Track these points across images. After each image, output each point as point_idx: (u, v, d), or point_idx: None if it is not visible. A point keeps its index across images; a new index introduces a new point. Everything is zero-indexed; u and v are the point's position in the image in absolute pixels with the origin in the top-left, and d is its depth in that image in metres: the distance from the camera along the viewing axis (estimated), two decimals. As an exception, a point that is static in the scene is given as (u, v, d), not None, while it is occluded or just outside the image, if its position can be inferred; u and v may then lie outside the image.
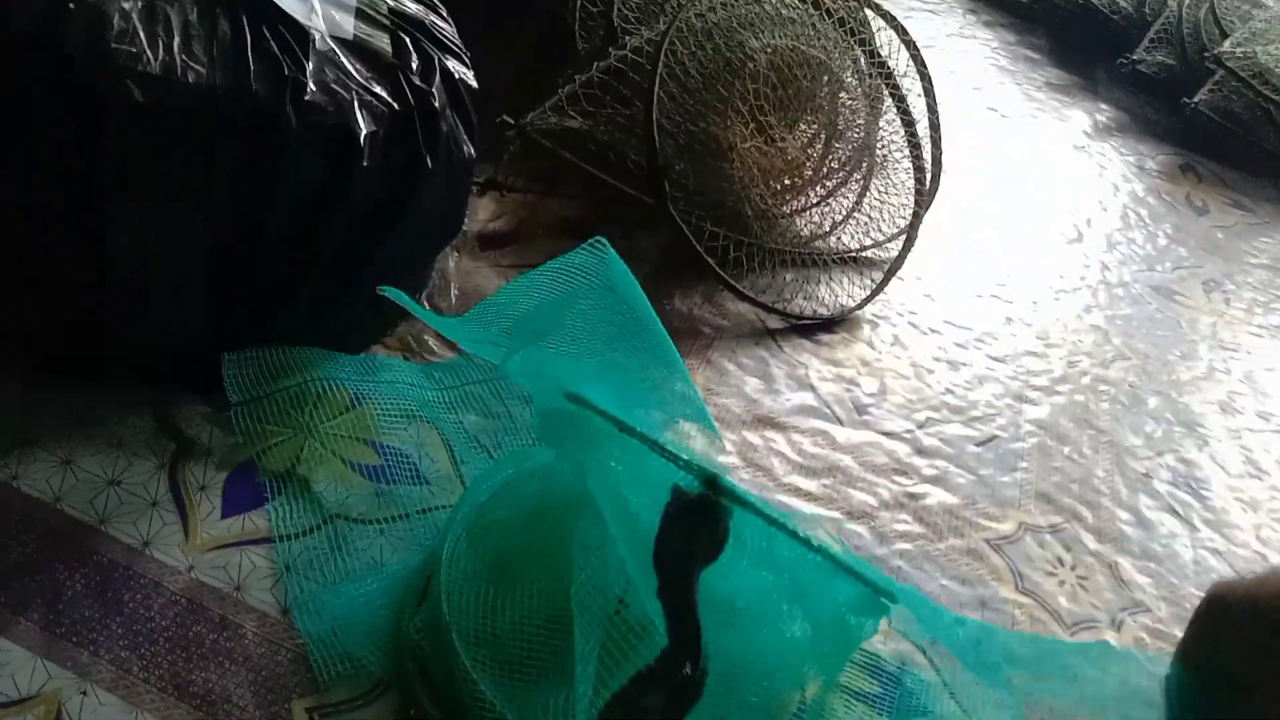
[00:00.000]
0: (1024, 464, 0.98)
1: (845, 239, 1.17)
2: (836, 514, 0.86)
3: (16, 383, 0.72)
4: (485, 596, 0.63)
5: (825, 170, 1.17)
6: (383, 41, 0.78)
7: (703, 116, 1.02)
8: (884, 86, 1.18)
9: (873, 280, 1.13)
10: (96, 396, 0.73)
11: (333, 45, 0.75)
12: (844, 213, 1.18)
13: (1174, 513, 0.99)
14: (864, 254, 1.18)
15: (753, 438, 0.92)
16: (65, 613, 0.61)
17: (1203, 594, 0.90)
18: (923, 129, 1.20)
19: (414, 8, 0.83)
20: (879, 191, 1.19)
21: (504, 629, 0.63)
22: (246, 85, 0.69)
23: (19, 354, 0.74)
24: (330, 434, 0.76)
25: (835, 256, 1.15)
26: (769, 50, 1.05)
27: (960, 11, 2.03)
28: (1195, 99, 1.74)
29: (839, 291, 1.11)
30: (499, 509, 0.69)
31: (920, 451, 0.96)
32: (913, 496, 0.91)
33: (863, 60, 1.17)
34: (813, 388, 0.99)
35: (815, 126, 1.15)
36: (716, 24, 1.05)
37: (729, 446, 0.90)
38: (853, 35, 1.15)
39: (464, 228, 0.91)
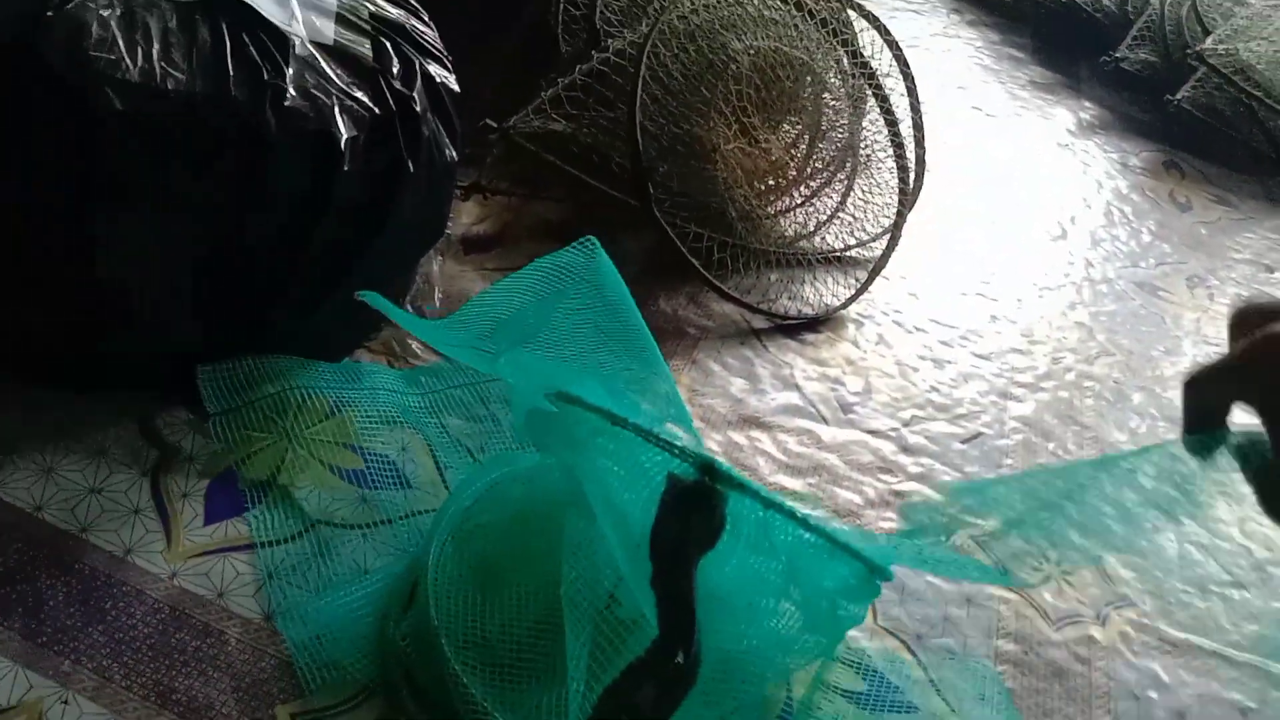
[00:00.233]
0: (1009, 460, 0.99)
1: (830, 239, 1.17)
2: (822, 513, 0.87)
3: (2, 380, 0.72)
4: (473, 600, 0.63)
5: (809, 171, 1.17)
6: (363, 46, 0.78)
7: (686, 118, 1.03)
8: (867, 87, 1.18)
9: (857, 280, 1.13)
10: (79, 404, 0.73)
11: (313, 50, 0.75)
12: (828, 213, 1.19)
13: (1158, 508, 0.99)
14: (848, 254, 1.18)
15: (738, 437, 0.92)
16: (46, 621, 0.61)
17: (1189, 588, 0.91)
18: (906, 128, 1.21)
19: (395, 12, 0.83)
20: (863, 191, 1.19)
21: (493, 632, 0.63)
22: (226, 92, 0.69)
23: (4, 362, 0.74)
24: (312, 439, 0.76)
25: (820, 256, 1.15)
26: (752, 52, 1.05)
27: (944, 11, 2.04)
28: (1178, 96, 1.74)
29: (823, 291, 1.11)
30: (484, 513, 0.69)
31: (905, 449, 0.96)
32: (898, 494, 0.91)
33: (846, 61, 1.17)
34: (798, 387, 1.00)
35: (799, 127, 1.16)
36: (699, 26, 1.05)
37: (715, 447, 0.90)
38: (835, 36, 1.15)
39: (448, 231, 0.91)
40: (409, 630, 0.64)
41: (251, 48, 0.71)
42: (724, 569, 0.55)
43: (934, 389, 1.05)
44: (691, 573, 0.50)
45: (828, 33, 1.14)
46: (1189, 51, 1.78)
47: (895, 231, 1.15)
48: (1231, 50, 1.77)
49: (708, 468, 0.49)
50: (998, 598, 0.84)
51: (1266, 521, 1.01)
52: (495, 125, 0.99)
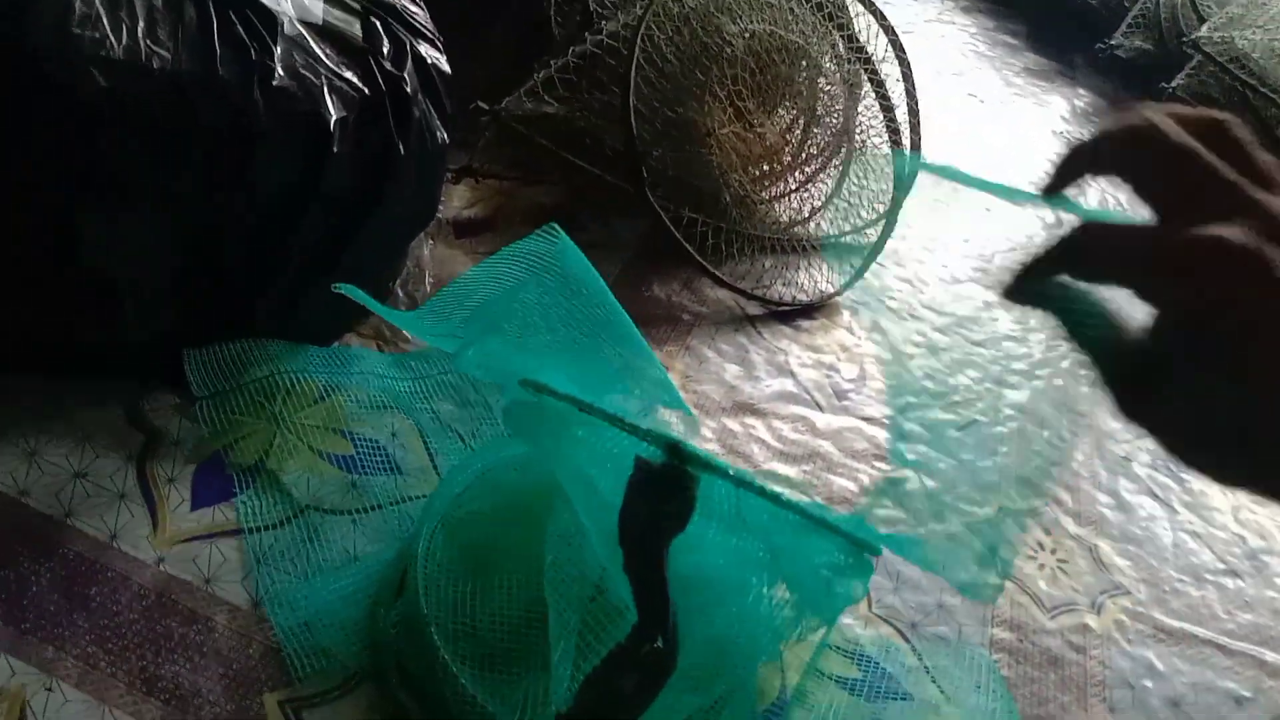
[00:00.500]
0: (1004, 448, 0.98)
1: (824, 224, 1.17)
2: (817, 500, 0.86)
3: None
4: (463, 589, 0.63)
5: (804, 156, 1.16)
6: (353, 26, 0.77)
7: (680, 102, 1.02)
8: (863, 72, 1.17)
9: (851, 266, 1.13)
10: (63, 388, 0.72)
11: (301, 30, 0.73)
12: (823, 198, 1.18)
13: (1154, 495, 0.99)
14: (843, 239, 1.17)
15: (732, 424, 0.91)
16: (30, 607, 0.60)
17: (1183, 576, 0.90)
18: (902, 114, 1.20)
19: (385, -9, 0.82)
20: (858, 177, 1.18)
21: (483, 622, 0.62)
22: (213, 71, 0.67)
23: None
24: (301, 424, 0.75)
25: (814, 242, 1.14)
26: (746, 35, 1.04)
27: (939, -3, 2.03)
28: (1173, 84, 1.73)
29: (818, 277, 1.11)
30: (475, 500, 0.68)
31: (900, 437, 0.96)
32: (893, 482, 0.90)
33: (841, 45, 1.16)
34: (792, 374, 0.99)
35: (794, 112, 1.14)
36: (693, 8, 1.04)
37: (709, 434, 0.89)
38: (831, 20, 1.14)
39: (438, 215, 0.90)
40: (399, 618, 0.63)
41: (239, 26, 0.70)
42: (702, 551, 0.54)
43: (929, 376, 1.05)
44: (663, 556, 0.49)
45: (823, 17, 1.13)
46: (1184, 39, 1.77)
47: (890, 218, 1.14)
48: (1227, 38, 1.76)
49: (673, 448, 0.49)
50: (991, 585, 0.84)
51: (1261, 509, 1.00)
52: (487, 108, 0.97)
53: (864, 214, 1.18)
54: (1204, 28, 1.76)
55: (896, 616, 0.78)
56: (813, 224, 1.16)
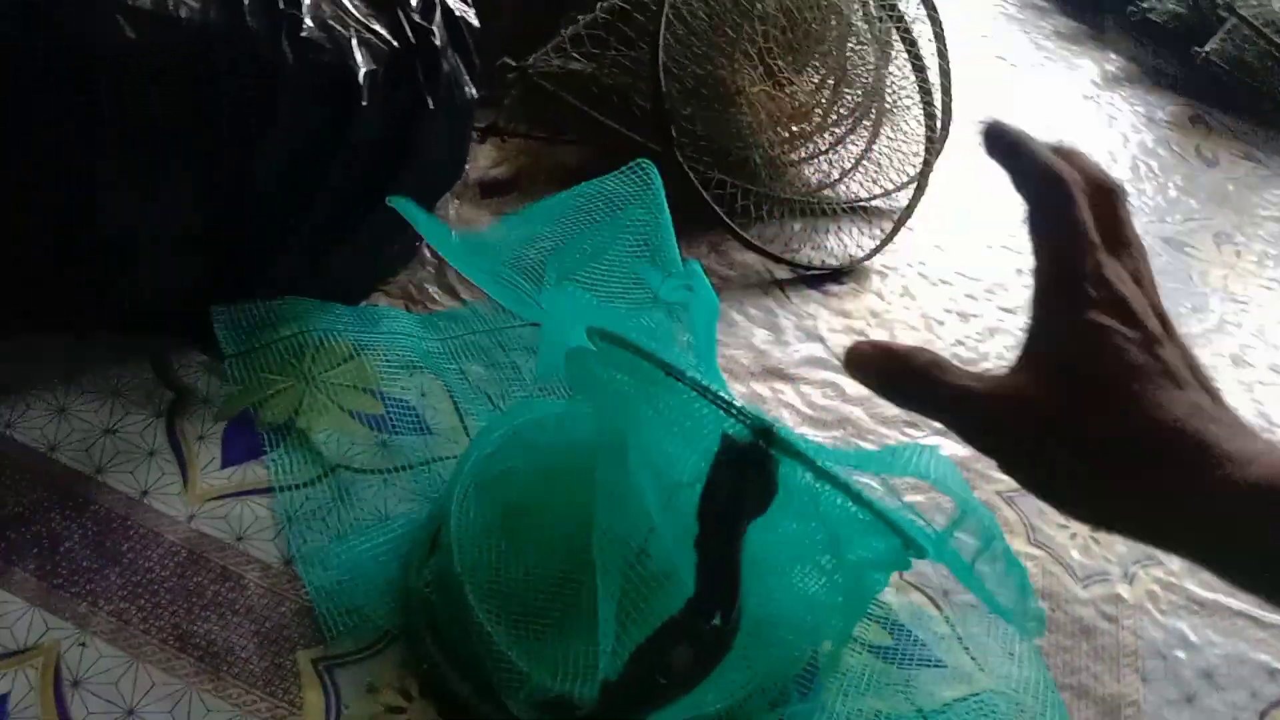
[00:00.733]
0: (1035, 416, 0.97)
1: (854, 187, 1.15)
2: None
3: (8, 331, 0.70)
4: (496, 549, 0.62)
5: (834, 117, 1.14)
6: (381, -24, 0.75)
7: (710, 59, 1.00)
8: (894, 30, 1.15)
9: (881, 230, 1.11)
10: (91, 344, 0.71)
11: (329, -21, 0.72)
12: (852, 160, 1.16)
13: (1186, 465, 0.97)
14: (873, 203, 1.15)
15: (761, 389, 0.90)
16: (62, 563, 0.60)
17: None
18: (933, 75, 1.17)
19: (413, -59, 0.80)
20: (888, 139, 1.16)
21: (516, 582, 0.61)
22: (241, 21, 0.66)
23: (11, 302, 0.71)
24: (330, 383, 0.74)
25: (844, 206, 1.12)
26: (778, -10, 1.02)
27: (967, -42, 1.99)
28: (1206, 48, 1.70)
29: (847, 242, 1.09)
30: (507, 460, 0.68)
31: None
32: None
33: (872, 3, 1.14)
34: (822, 339, 0.98)
35: (823, 71, 1.12)
36: (724, -37, 1.02)
37: (737, 399, 0.88)
38: (862, -23, 1.11)
39: (464, 174, 0.89)
40: (432, 577, 0.62)
41: (267, -25, 0.68)
42: (767, 534, 0.53)
43: (960, 343, 1.03)
44: (740, 537, 0.48)
45: (855, -27, 1.10)
46: (1219, 2, 1.73)
47: (921, 181, 1.12)
48: (1263, 1, 1.72)
49: (764, 432, 0.47)
50: (1024, 555, 0.83)
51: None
52: (514, 64, 0.96)
53: (894, 177, 1.16)
54: (1240, -10, 1.72)
55: (928, 584, 0.77)
56: (842, 187, 1.14)
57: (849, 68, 1.13)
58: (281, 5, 0.68)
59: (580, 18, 0.98)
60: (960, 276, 1.13)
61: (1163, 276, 1.24)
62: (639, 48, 1.00)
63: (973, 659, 0.72)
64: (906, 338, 1.01)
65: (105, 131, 0.64)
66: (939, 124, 1.17)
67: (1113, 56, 1.80)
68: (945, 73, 1.19)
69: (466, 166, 0.89)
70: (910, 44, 1.15)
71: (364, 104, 0.70)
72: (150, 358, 0.72)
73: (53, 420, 0.67)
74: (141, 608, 0.59)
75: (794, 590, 0.57)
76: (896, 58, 1.16)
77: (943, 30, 1.20)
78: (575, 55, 0.99)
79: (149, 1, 0.64)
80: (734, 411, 0.47)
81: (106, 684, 0.55)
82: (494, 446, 0.67)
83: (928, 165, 1.12)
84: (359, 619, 0.61)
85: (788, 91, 1.05)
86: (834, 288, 1.05)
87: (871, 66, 1.14)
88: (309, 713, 0.57)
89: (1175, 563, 0.86)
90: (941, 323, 1.05)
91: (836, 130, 1.15)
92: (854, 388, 0.93)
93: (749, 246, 1.01)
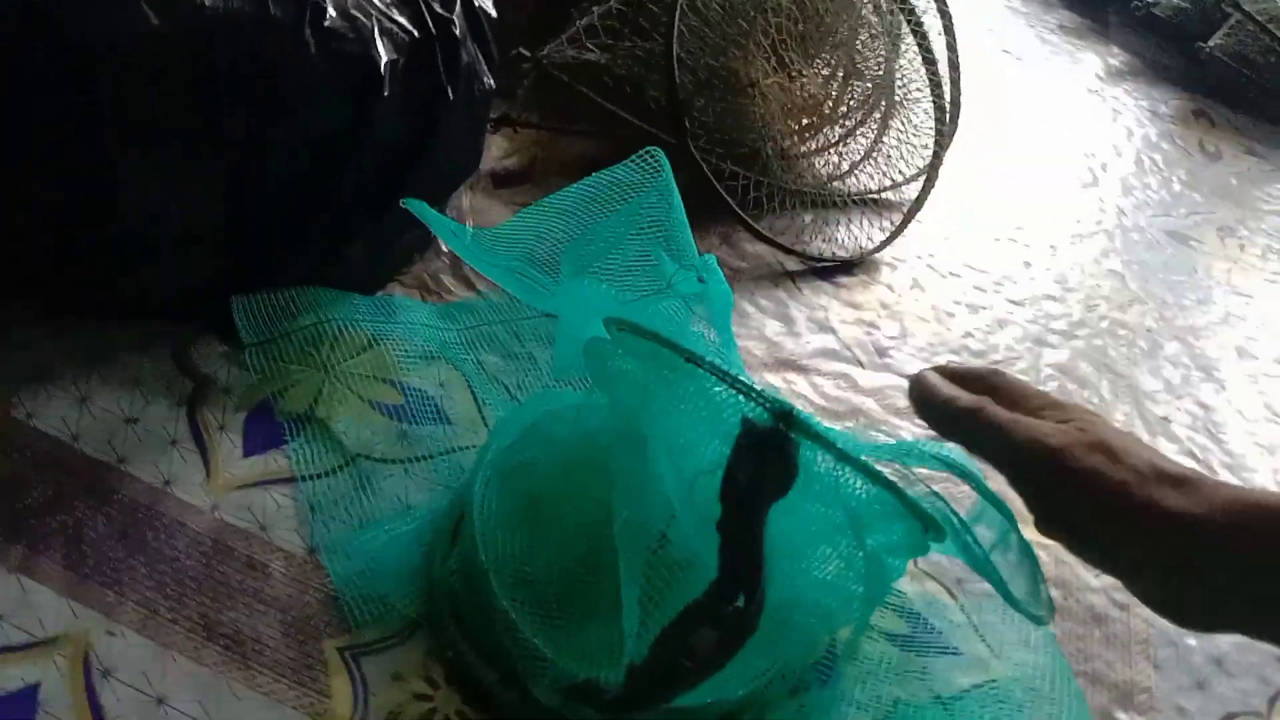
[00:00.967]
0: (1045, 408, 0.97)
1: (864, 180, 1.15)
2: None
3: (29, 320, 0.70)
4: (519, 538, 0.62)
5: (844, 109, 1.15)
6: (401, -34, 0.75)
7: (723, 51, 1.00)
8: (905, 23, 1.15)
9: (891, 222, 1.11)
10: (112, 334, 0.71)
11: (351, -31, 0.72)
12: (862, 153, 1.16)
13: (1194, 457, 0.98)
14: (882, 195, 1.16)
15: (774, 380, 0.90)
16: (88, 553, 0.60)
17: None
18: (943, 68, 1.18)
19: (432, -69, 0.80)
20: (898, 131, 1.16)
21: (539, 570, 0.62)
22: (265, 8, 0.66)
23: (30, 295, 0.71)
24: (349, 373, 0.74)
25: (854, 198, 1.13)
26: (790, -18, 1.02)
27: (971, -49, 1.99)
28: (1209, 43, 1.71)
29: (858, 233, 1.09)
30: (527, 451, 0.68)
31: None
32: (935, 439, 0.90)
33: (883, -4, 1.14)
34: (833, 330, 0.98)
35: (834, 63, 1.12)
36: (737, -45, 1.02)
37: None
38: (874, -31, 1.12)
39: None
40: (455, 567, 0.63)
41: (290, -36, 0.68)
42: (788, 517, 0.53)
43: (969, 334, 1.04)
44: (762, 520, 0.48)
45: (866, -34, 1.10)
46: (1222, -3, 1.74)
47: (931, 174, 1.12)
48: (1267, -4, 1.73)
49: (784, 415, 0.48)
50: (1035, 544, 0.83)
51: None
52: (528, 54, 0.96)
53: (904, 169, 1.16)
54: (1244, -15, 1.72)
55: (943, 573, 0.78)
56: (852, 179, 1.15)
57: (859, 60, 1.13)
58: (304, -6, 0.68)
59: (594, 8, 0.98)
60: (969, 269, 1.13)
61: (1167, 269, 1.25)
62: (653, 39, 1.00)
63: (988, 647, 0.73)
64: (917, 329, 1.02)
65: (123, 127, 0.64)
66: (948, 117, 1.17)
67: (1116, 51, 1.80)
68: (955, 66, 1.20)
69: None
70: (922, 37, 1.15)
71: (386, 94, 0.70)
72: (170, 347, 0.72)
73: (75, 408, 0.67)
74: (169, 596, 0.59)
75: (813, 575, 0.58)
76: (906, 51, 1.17)
77: (952, 23, 1.20)
78: (589, 46, 0.99)
79: (172, -10, 0.64)
80: (754, 395, 0.48)
81: (136, 673, 0.56)
82: (511, 439, 0.67)
83: (937, 158, 1.13)
84: (383, 608, 0.62)
85: (800, 83, 1.05)
86: (844, 279, 1.05)
87: (882, 59, 1.15)
88: (337, 701, 0.58)
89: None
90: (951, 314, 1.06)
91: (846, 122, 1.16)
92: (866, 378, 0.94)
93: (760, 238, 1.02)
